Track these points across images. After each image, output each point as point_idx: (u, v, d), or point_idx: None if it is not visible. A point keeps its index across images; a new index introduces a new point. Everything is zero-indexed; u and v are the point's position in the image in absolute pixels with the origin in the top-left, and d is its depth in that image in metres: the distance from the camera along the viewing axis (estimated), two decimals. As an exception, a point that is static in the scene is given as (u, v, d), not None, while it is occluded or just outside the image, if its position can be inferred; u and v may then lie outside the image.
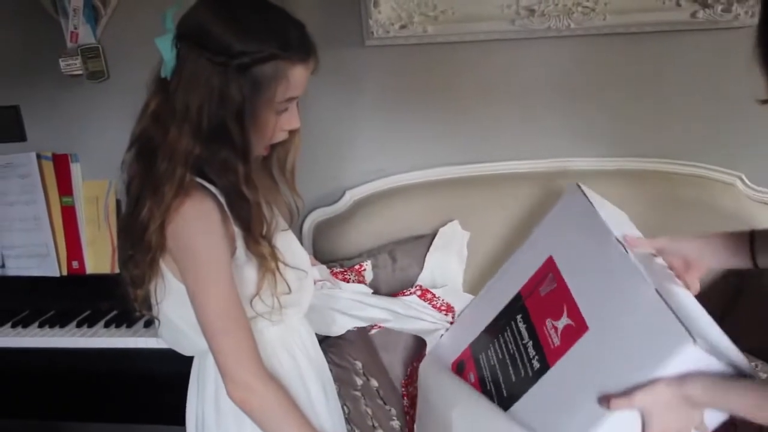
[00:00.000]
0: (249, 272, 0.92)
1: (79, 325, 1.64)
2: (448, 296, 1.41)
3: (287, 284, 0.95)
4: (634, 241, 0.99)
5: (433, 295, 1.41)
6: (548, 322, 1.01)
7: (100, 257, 1.75)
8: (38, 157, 1.73)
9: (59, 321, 1.66)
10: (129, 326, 1.62)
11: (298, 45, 0.86)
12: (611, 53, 1.54)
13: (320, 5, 1.57)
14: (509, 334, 1.10)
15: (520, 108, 1.61)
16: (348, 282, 1.38)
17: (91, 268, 1.76)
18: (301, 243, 1.14)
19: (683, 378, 0.80)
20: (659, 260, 1.02)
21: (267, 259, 0.90)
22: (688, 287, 0.98)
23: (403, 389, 1.47)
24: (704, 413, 0.83)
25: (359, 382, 1.32)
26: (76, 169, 1.74)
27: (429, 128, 1.66)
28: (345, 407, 1.21)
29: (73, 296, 1.73)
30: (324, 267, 1.34)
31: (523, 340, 1.05)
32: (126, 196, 0.92)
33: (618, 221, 1.10)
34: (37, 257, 1.76)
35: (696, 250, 0.97)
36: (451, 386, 1.14)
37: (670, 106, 1.56)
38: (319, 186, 1.71)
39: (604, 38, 1.52)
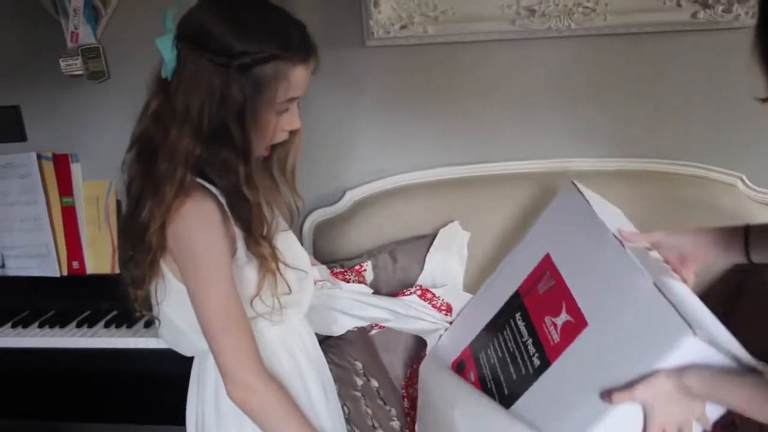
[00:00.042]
0: (249, 273, 0.92)
1: (79, 326, 1.64)
2: (448, 296, 1.41)
3: (287, 285, 0.95)
4: (630, 235, 1.00)
5: (433, 294, 1.41)
6: (547, 319, 1.01)
7: (100, 257, 1.75)
8: (38, 157, 1.73)
9: (59, 321, 1.66)
10: (129, 326, 1.62)
11: (298, 45, 0.86)
12: (612, 54, 1.54)
13: (320, 5, 1.57)
14: (509, 332, 1.10)
15: (520, 108, 1.61)
16: (348, 282, 1.38)
17: (91, 268, 1.76)
18: (302, 243, 1.14)
19: (682, 369, 0.80)
20: (655, 254, 1.02)
21: (267, 260, 0.90)
22: (684, 281, 0.98)
23: (403, 391, 1.47)
24: (705, 405, 0.83)
25: (359, 382, 1.32)
26: (76, 170, 1.74)
27: (429, 128, 1.66)
28: (345, 407, 1.22)
29: (74, 296, 1.73)
30: (324, 267, 1.34)
31: (522, 338, 1.06)
32: (126, 197, 0.92)
33: (613, 217, 1.11)
34: (38, 257, 1.76)
35: (691, 244, 0.98)
36: (451, 386, 1.14)
37: (671, 106, 1.56)
38: (320, 186, 1.71)
39: (604, 38, 1.51)
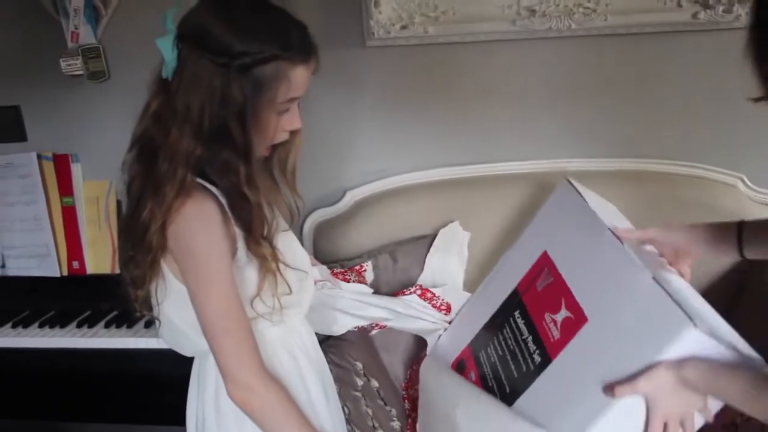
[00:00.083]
0: (250, 273, 0.92)
1: (79, 326, 1.64)
2: (447, 295, 1.41)
3: (288, 285, 0.95)
4: (625, 232, 1.00)
5: (433, 294, 1.41)
6: (547, 316, 1.02)
7: (100, 257, 1.75)
8: (39, 157, 1.73)
9: (59, 321, 1.66)
10: (129, 327, 1.62)
11: (299, 45, 0.86)
12: (612, 54, 1.54)
13: (321, 6, 1.57)
14: (508, 330, 1.10)
15: (520, 108, 1.61)
16: (348, 282, 1.38)
17: (91, 268, 1.76)
18: (302, 244, 1.15)
19: (682, 361, 0.81)
20: (650, 249, 1.03)
21: (268, 260, 0.90)
22: (681, 275, 0.99)
23: (404, 392, 1.47)
24: (707, 397, 0.83)
25: (360, 382, 1.32)
26: (76, 170, 1.74)
27: (430, 129, 1.66)
28: (345, 408, 1.22)
29: (74, 296, 1.73)
30: (324, 267, 1.34)
31: (522, 336, 1.06)
32: (127, 197, 0.92)
33: (609, 214, 1.11)
34: (38, 257, 1.76)
35: (684, 239, 0.99)
36: (452, 385, 1.15)
37: (671, 106, 1.56)
38: (320, 186, 1.71)
39: (605, 39, 1.51)
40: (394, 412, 1.34)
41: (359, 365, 1.36)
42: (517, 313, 1.10)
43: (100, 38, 1.66)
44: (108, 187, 1.73)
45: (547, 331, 1.00)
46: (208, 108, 0.83)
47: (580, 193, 1.13)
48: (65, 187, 1.75)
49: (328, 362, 1.18)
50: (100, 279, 1.73)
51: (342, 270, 1.43)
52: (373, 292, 1.39)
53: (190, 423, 1.07)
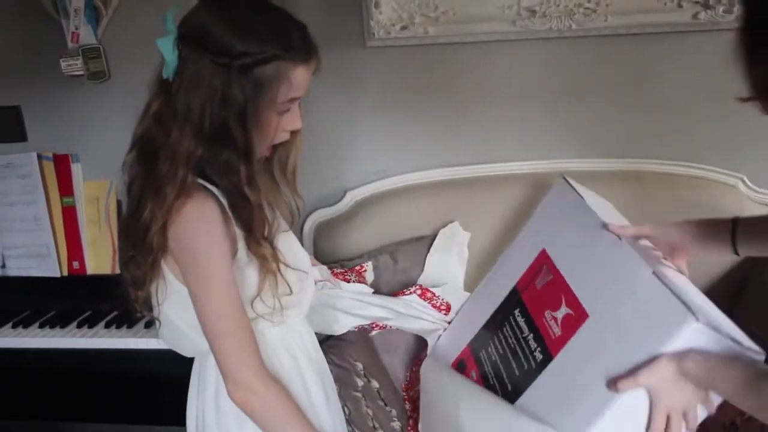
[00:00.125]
0: (250, 273, 0.92)
1: (79, 326, 1.64)
2: (447, 295, 1.41)
3: (288, 285, 0.95)
4: (620, 228, 1.00)
5: (433, 294, 1.41)
6: (547, 314, 1.02)
7: (100, 258, 1.75)
8: (39, 157, 1.73)
9: (60, 321, 1.66)
10: (129, 327, 1.62)
11: (299, 46, 0.86)
12: (612, 54, 1.54)
13: (321, 6, 1.57)
14: (508, 329, 1.11)
15: (521, 109, 1.61)
16: (349, 282, 1.38)
17: (91, 268, 1.76)
18: (302, 244, 1.14)
19: (683, 353, 0.82)
20: (646, 244, 1.03)
21: (268, 261, 0.90)
22: (679, 270, 0.99)
23: (404, 393, 1.47)
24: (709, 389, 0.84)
25: (360, 383, 1.32)
26: (76, 170, 1.74)
27: (430, 129, 1.66)
28: (346, 408, 1.21)
29: (74, 297, 1.73)
30: (324, 267, 1.34)
31: (523, 334, 1.06)
32: (127, 197, 0.92)
33: (605, 211, 1.12)
34: (38, 257, 1.76)
35: (678, 235, 0.99)
36: (454, 384, 1.15)
37: (672, 107, 1.56)
38: (320, 187, 1.71)
39: (605, 39, 1.51)
40: (394, 412, 1.34)
41: (359, 366, 1.36)
42: (516, 312, 1.10)
43: (100, 38, 1.66)
44: (108, 187, 1.73)
45: (548, 328, 1.01)
46: (208, 108, 0.83)
47: (576, 191, 1.13)
48: (65, 187, 1.75)
49: (329, 363, 1.18)
50: (100, 279, 1.73)
51: (342, 270, 1.43)
52: (374, 292, 1.39)
53: (190, 423, 1.07)
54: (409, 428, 1.36)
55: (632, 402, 0.85)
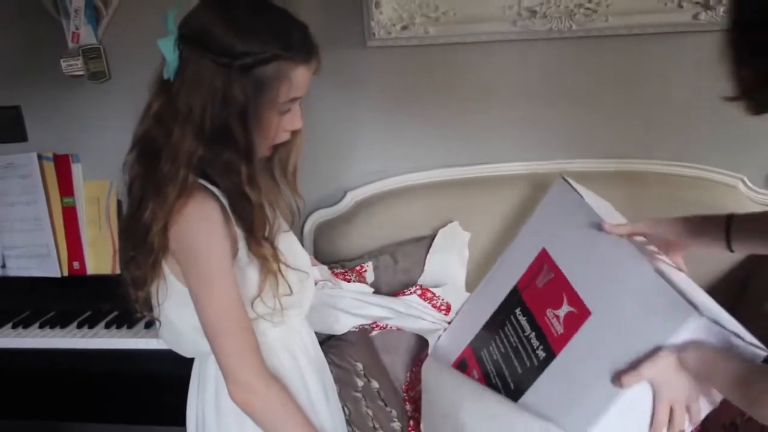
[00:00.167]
0: (251, 274, 0.92)
1: (79, 326, 1.64)
2: (448, 295, 1.41)
3: (289, 285, 0.95)
4: (615, 227, 1.00)
5: (433, 294, 1.41)
6: (549, 312, 1.02)
7: (101, 258, 1.75)
8: (39, 157, 1.73)
9: (60, 322, 1.66)
10: (130, 327, 1.62)
11: (300, 46, 0.86)
12: (613, 55, 1.54)
13: (322, 6, 1.57)
14: (510, 327, 1.11)
15: (521, 109, 1.61)
16: (349, 282, 1.38)
17: (92, 268, 1.76)
18: (302, 244, 1.14)
19: (683, 346, 0.82)
20: (641, 240, 1.03)
21: (269, 261, 0.90)
22: (677, 267, 1.00)
23: (405, 393, 1.47)
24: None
25: (360, 383, 1.32)
26: (77, 170, 1.74)
27: (430, 129, 1.66)
28: (346, 408, 1.21)
29: (74, 297, 1.73)
30: (325, 267, 1.34)
31: (525, 332, 1.06)
32: (128, 198, 0.92)
33: (604, 209, 1.12)
34: (38, 258, 1.76)
35: (675, 232, 0.99)
36: (456, 384, 1.15)
37: (672, 107, 1.56)
38: (320, 187, 1.71)
39: (606, 40, 1.51)
40: (394, 413, 1.34)
41: (360, 366, 1.36)
42: (518, 311, 1.11)
43: (100, 38, 1.66)
44: (108, 187, 1.73)
45: (550, 326, 1.01)
46: (209, 108, 0.83)
47: (575, 190, 1.14)
48: (66, 187, 1.75)
49: (329, 363, 1.18)
50: (100, 279, 1.73)
51: (342, 270, 1.43)
52: (374, 292, 1.39)
53: (190, 423, 1.07)
54: (410, 429, 1.36)
55: (636, 397, 0.85)
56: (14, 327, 1.66)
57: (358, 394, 1.29)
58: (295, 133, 0.95)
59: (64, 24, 1.63)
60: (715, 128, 1.55)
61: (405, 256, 1.53)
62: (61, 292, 1.75)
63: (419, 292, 1.41)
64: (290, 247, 1.01)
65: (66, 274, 1.76)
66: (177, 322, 0.96)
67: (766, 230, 0.92)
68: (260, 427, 0.92)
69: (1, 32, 1.71)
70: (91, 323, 1.65)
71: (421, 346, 1.46)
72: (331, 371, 1.17)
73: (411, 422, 1.37)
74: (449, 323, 1.35)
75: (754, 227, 0.93)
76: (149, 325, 1.58)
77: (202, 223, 0.86)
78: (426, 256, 1.52)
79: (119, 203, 1.72)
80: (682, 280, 0.94)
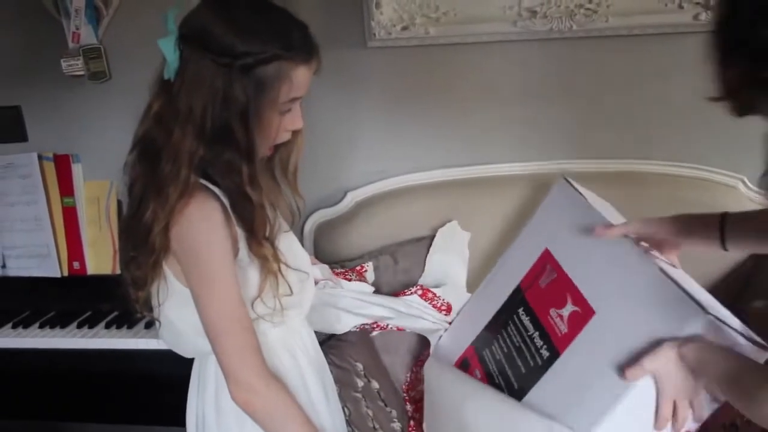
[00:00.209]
0: (251, 274, 0.92)
1: (79, 326, 1.64)
2: (448, 296, 1.41)
3: (289, 286, 0.95)
4: (607, 230, 1.00)
5: (434, 294, 1.41)
6: (552, 312, 1.03)
7: (101, 258, 1.75)
8: (39, 157, 1.73)
9: (60, 322, 1.66)
10: (130, 327, 1.62)
11: (300, 45, 0.86)
12: (613, 55, 1.54)
13: (322, 6, 1.57)
14: (513, 327, 1.11)
15: (521, 109, 1.61)
16: (350, 281, 1.38)
17: (92, 268, 1.76)
18: (303, 245, 1.14)
19: (684, 340, 0.82)
20: (636, 240, 1.03)
21: (269, 261, 0.90)
22: (673, 265, 1.00)
23: (405, 394, 1.47)
24: None
25: (360, 383, 1.32)
26: (77, 170, 1.74)
27: (430, 129, 1.66)
28: (346, 409, 1.21)
29: (74, 297, 1.73)
30: (325, 266, 1.34)
31: (528, 332, 1.07)
32: (128, 198, 0.92)
33: (605, 210, 1.12)
34: (38, 258, 1.76)
35: (668, 231, 0.99)
36: (459, 383, 1.15)
37: (673, 108, 1.56)
38: (321, 187, 1.71)
39: (606, 40, 1.51)
40: (394, 413, 1.34)
41: (360, 366, 1.35)
42: (521, 311, 1.11)
43: (101, 38, 1.66)
44: (109, 187, 1.73)
45: (554, 326, 1.01)
46: (210, 108, 0.83)
47: (577, 190, 1.14)
48: (66, 187, 1.75)
49: (329, 363, 1.18)
50: (100, 279, 1.73)
51: (343, 270, 1.43)
52: (374, 291, 1.39)
53: (190, 423, 1.07)
54: (410, 429, 1.36)
55: (641, 394, 0.85)
56: (14, 327, 1.66)
57: (359, 395, 1.29)
58: (295, 133, 0.95)
59: (65, 24, 1.63)
60: (715, 128, 1.55)
61: (405, 256, 1.53)
62: (61, 292, 1.76)
63: (420, 292, 1.41)
64: (290, 247, 1.01)
65: (66, 274, 1.76)
66: (177, 322, 0.96)
67: (761, 229, 0.92)
68: (262, 427, 0.92)
69: (1, 32, 1.71)
70: (91, 323, 1.65)
71: (421, 346, 1.46)
72: (332, 371, 1.17)
73: (411, 422, 1.37)
74: (450, 323, 1.35)
75: (748, 226, 0.93)
76: (149, 325, 1.58)
77: (203, 223, 0.86)
78: (426, 256, 1.52)
79: (119, 203, 1.73)
80: (684, 278, 0.94)
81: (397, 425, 1.33)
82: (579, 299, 0.99)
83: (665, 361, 0.82)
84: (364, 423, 1.25)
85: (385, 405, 1.34)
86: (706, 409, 0.85)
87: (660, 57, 1.52)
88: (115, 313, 1.68)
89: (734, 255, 1.40)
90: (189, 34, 0.84)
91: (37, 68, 1.70)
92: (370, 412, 1.28)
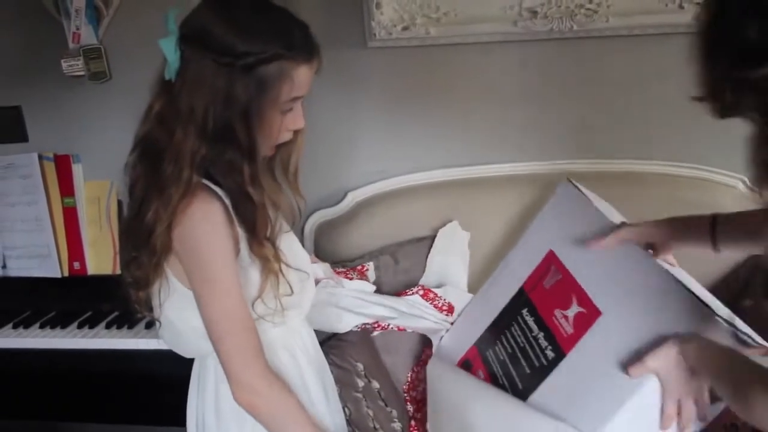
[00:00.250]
0: (252, 274, 0.92)
1: (80, 326, 1.64)
2: (449, 296, 1.41)
3: (289, 286, 0.95)
4: (600, 243, 0.99)
5: (435, 294, 1.41)
6: (557, 313, 1.03)
7: (101, 258, 1.75)
8: (40, 157, 1.73)
9: (60, 322, 1.66)
10: (130, 327, 1.62)
11: (301, 45, 0.86)
12: (614, 55, 1.54)
13: (322, 6, 1.57)
14: (517, 328, 1.11)
15: (522, 110, 1.61)
16: (351, 280, 1.38)
17: (92, 268, 1.76)
18: (303, 245, 1.14)
19: (687, 337, 0.82)
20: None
21: (270, 261, 0.90)
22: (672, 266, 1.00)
23: (406, 394, 1.46)
24: None
25: (360, 383, 1.32)
26: (77, 170, 1.74)
27: (431, 130, 1.66)
28: (346, 409, 1.21)
29: (75, 297, 1.73)
30: (327, 264, 1.34)
31: (532, 333, 1.07)
32: (129, 199, 0.92)
33: (608, 213, 1.12)
34: (39, 258, 1.76)
35: (659, 235, 0.99)
36: (464, 384, 1.15)
37: (673, 108, 1.55)
38: (321, 187, 1.71)
39: (606, 40, 1.51)
40: (395, 413, 1.34)
41: (360, 366, 1.35)
42: (525, 311, 1.11)
43: (101, 39, 1.66)
44: (109, 187, 1.73)
45: (559, 327, 1.01)
46: (212, 108, 0.83)
47: (582, 192, 1.14)
48: (66, 187, 1.75)
49: (329, 363, 1.18)
50: (101, 279, 1.73)
51: (344, 269, 1.43)
52: (375, 291, 1.39)
53: (190, 423, 1.06)
54: (411, 429, 1.36)
55: (648, 396, 0.85)
56: (15, 327, 1.66)
57: (359, 395, 1.29)
58: (296, 133, 0.95)
59: (65, 24, 1.63)
60: (715, 128, 1.54)
61: (405, 256, 1.53)
62: (62, 293, 1.76)
63: (421, 292, 1.41)
64: (291, 247, 1.01)
65: (66, 274, 1.76)
66: (177, 322, 0.96)
67: (751, 229, 0.92)
68: (265, 427, 0.92)
69: (1, 32, 1.71)
70: (92, 323, 1.65)
71: (422, 346, 1.46)
72: (332, 371, 1.17)
73: (412, 422, 1.37)
74: (452, 324, 1.35)
75: (738, 226, 0.93)
76: (149, 325, 1.58)
77: (205, 223, 0.86)
78: (427, 256, 1.52)
79: (120, 203, 1.73)
80: (687, 278, 0.94)
81: (397, 425, 1.33)
82: (584, 300, 0.99)
83: (667, 359, 0.82)
84: (364, 423, 1.25)
85: (386, 405, 1.34)
86: (712, 409, 0.85)
87: (660, 57, 1.52)
88: (116, 314, 1.68)
89: (734, 255, 1.40)
90: (190, 35, 0.84)
91: (38, 68, 1.71)
92: (371, 412, 1.28)
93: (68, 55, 1.63)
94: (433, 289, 1.42)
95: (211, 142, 0.84)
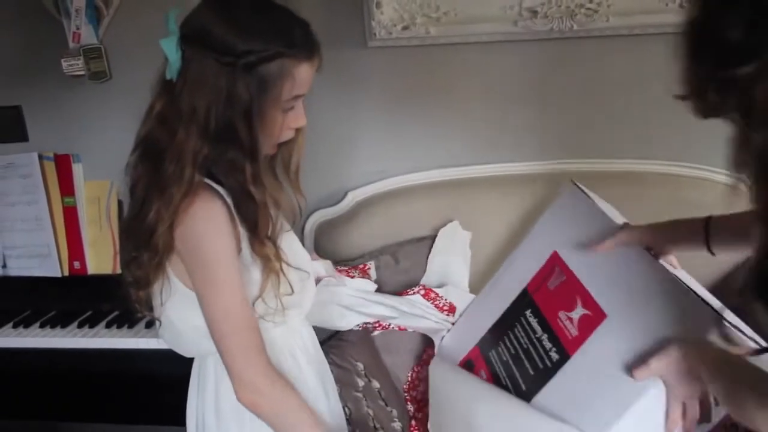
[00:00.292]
0: (253, 273, 0.92)
1: (80, 326, 1.64)
2: (451, 296, 1.41)
3: (290, 285, 0.95)
4: (598, 247, 0.99)
5: (436, 294, 1.41)
6: (561, 314, 1.03)
7: (101, 258, 1.75)
8: (40, 157, 1.73)
9: (60, 321, 1.66)
10: (130, 327, 1.62)
11: (302, 43, 0.86)
12: (614, 55, 1.54)
13: (322, 6, 1.57)
14: (520, 329, 1.11)
15: (522, 109, 1.61)
16: (353, 279, 1.38)
17: (92, 268, 1.76)
18: (303, 244, 1.14)
19: (690, 340, 0.82)
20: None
21: (271, 260, 0.90)
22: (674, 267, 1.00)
23: (406, 393, 1.46)
24: None
25: (361, 383, 1.32)
26: (77, 170, 1.75)
27: (431, 129, 1.66)
28: (346, 408, 1.21)
29: (75, 297, 1.73)
30: (328, 262, 1.34)
31: (536, 334, 1.07)
32: (130, 199, 0.92)
33: (611, 215, 1.12)
34: (39, 257, 1.76)
35: (655, 239, 0.99)
36: (467, 385, 1.15)
37: (674, 108, 1.53)
38: (321, 187, 1.71)
39: (607, 40, 1.51)
40: (395, 412, 1.34)
41: (360, 366, 1.35)
42: (528, 312, 1.11)
43: (101, 38, 1.66)
44: (109, 187, 1.73)
45: (563, 328, 1.01)
46: (214, 108, 0.83)
47: (586, 194, 1.14)
48: (66, 187, 1.75)
49: (330, 363, 1.18)
50: (101, 279, 1.74)
51: (346, 268, 1.43)
52: (376, 290, 1.39)
53: (190, 423, 1.06)
54: (412, 428, 1.36)
55: (654, 400, 0.85)
56: (15, 327, 1.66)
57: (359, 394, 1.29)
58: (298, 132, 0.96)
59: (65, 24, 1.63)
60: (715, 128, 1.54)
61: (406, 256, 1.53)
62: (62, 292, 1.76)
63: (422, 292, 1.40)
64: (291, 246, 1.01)
65: (66, 273, 1.77)
66: (177, 322, 0.96)
67: (742, 231, 0.92)
68: (270, 426, 0.92)
69: (1, 32, 1.71)
70: (92, 323, 1.65)
71: (422, 345, 1.46)
72: (332, 371, 1.17)
73: (413, 422, 1.37)
74: (453, 324, 1.35)
75: (732, 227, 0.93)
76: (150, 324, 1.58)
77: (208, 222, 0.86)
78: (427, 256, 1.52)
79: (120, 203, 1.73)
80: (689, 280, 0.94)
81: (397, 425, 1.33)
82: (589, 302, 0.99)
83: (671, 361, 0.82)
84: (364, 422, 1.25)
85: (386, 404, 1.34)
86: (717, 411, 0.85)
87: (661, 57, 1.51)
88: (116, 313, 1.68)
89: (735, 255, 1.39)
90: (190, 34, 0.84)
91: (38, 68, 1.71)
92: (371, 412, 1.28)
93: (68, 55, 1.63)
94: (434, 289, 1.42)
95: (213, 141, 0.85)
